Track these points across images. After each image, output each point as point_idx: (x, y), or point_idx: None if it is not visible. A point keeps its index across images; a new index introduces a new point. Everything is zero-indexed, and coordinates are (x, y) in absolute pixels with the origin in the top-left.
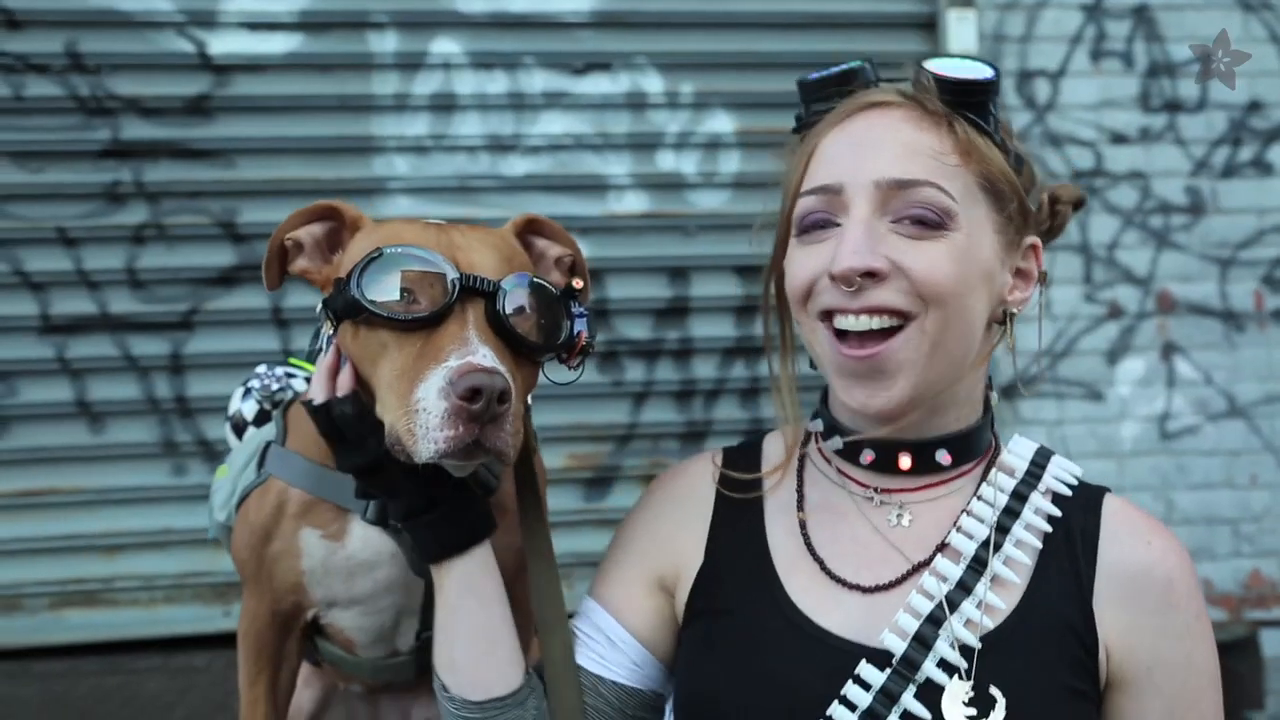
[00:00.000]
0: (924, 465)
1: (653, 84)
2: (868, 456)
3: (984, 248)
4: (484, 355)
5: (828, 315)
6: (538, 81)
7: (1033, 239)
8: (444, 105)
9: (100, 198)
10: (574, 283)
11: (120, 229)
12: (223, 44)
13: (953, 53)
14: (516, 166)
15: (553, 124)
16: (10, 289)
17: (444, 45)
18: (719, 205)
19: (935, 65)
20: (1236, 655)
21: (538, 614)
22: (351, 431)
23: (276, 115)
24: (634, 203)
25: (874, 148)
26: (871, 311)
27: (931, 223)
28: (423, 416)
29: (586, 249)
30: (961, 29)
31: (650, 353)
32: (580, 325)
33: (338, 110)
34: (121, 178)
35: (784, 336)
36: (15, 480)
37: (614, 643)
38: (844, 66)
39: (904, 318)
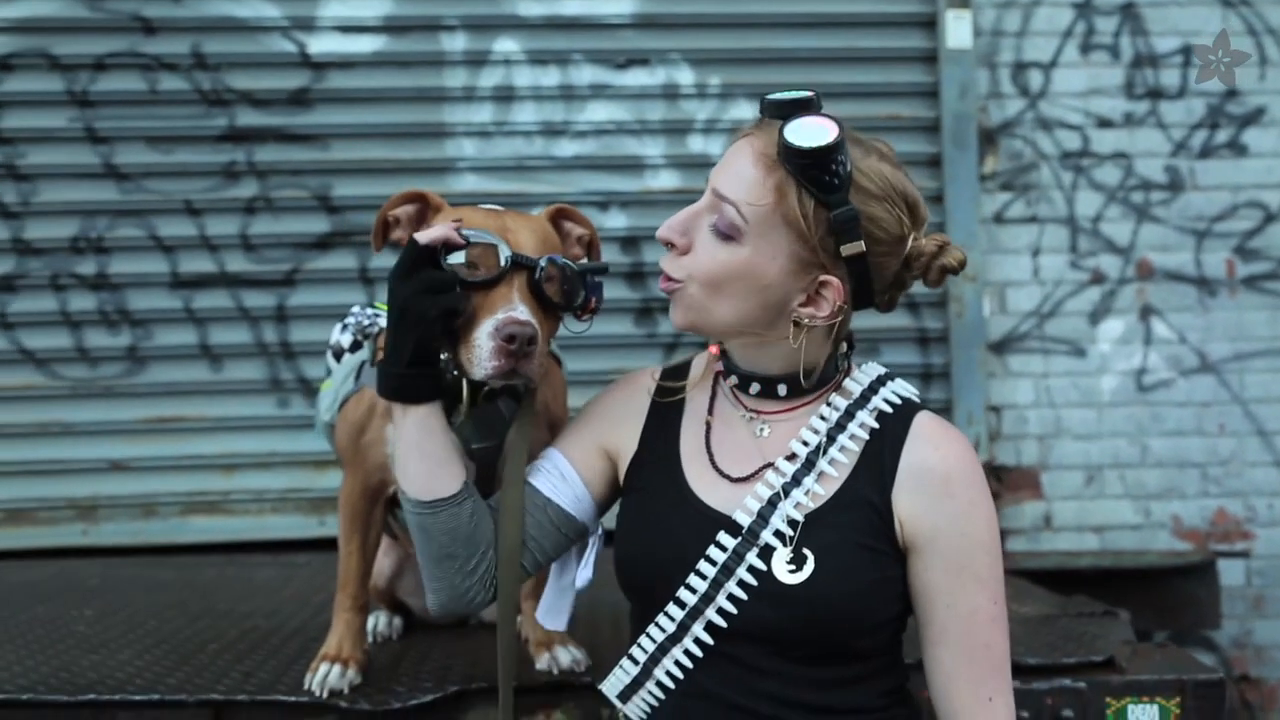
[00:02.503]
0: (770, 393)
1: (685, 77)
2: (755, 387)
3: (767, 267)
4: (521, 311)
5: None
6: (585, 75)
7: (828, 278)
8: (504, 96)
9: (219, 175)
10: (605, 265)
11: (235, 201)
12: (320, 45)
13: (808, 119)
14: (566, 149)
15: (597, 112)
16: (146, 251)
17: (505, 44)
18: None
19: (791, 125)
20: (1196, 582)
21: (508, 470)
22: (422, 273)
23: (364, 105)
24: (667, 180)
25: (727, 164)
26: (661, 272)
27: (722, 232)
28: (478, 350)
29: (625, 220)
30: (958, 26)
31: None
32: (593, 292)
33: (415, 100)
34: (236, 158)
35: None
36: (150, 409)
37: (564, 477)
38: (796, 95)
39: (680, 284)
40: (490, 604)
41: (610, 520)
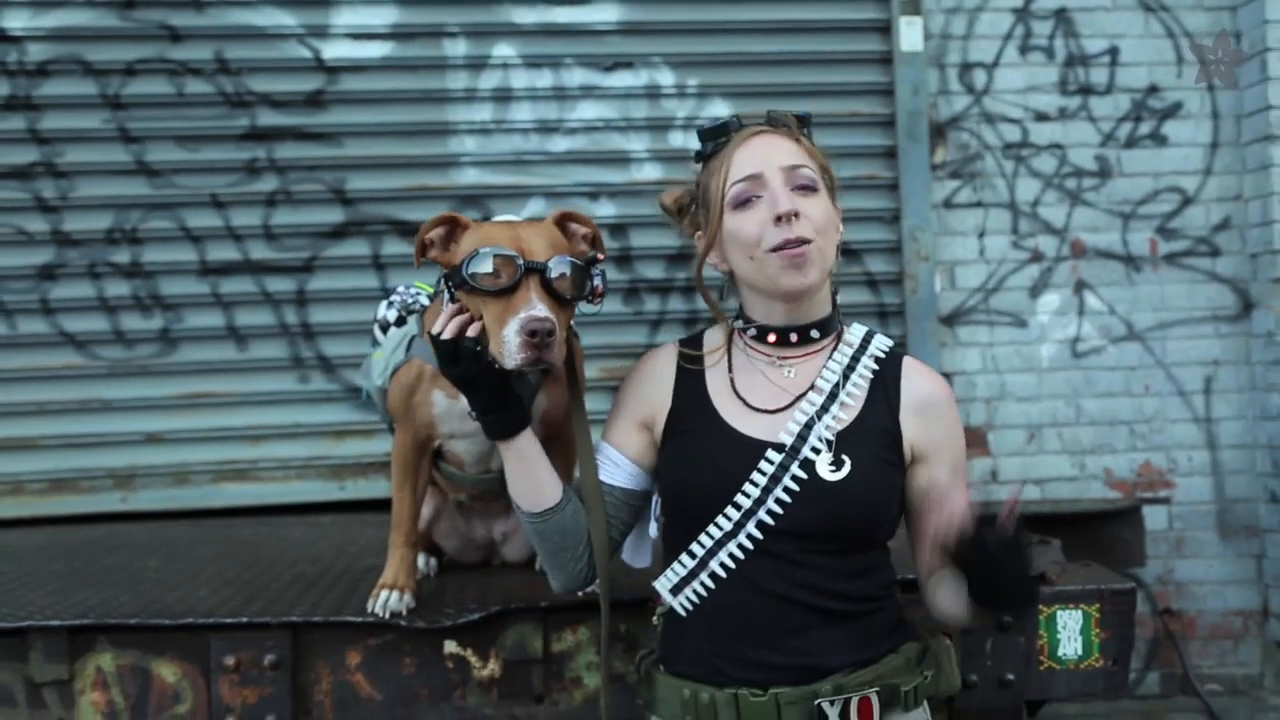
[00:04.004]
0: (803, 340)
1: (665, 78)
2: (772, 337)
3: (828, 203)
4: (540, 309)
5: (774, 249)
6: (575, 77)
7: (837, 205)
8: (503, 96)
9: (242, 170)
10: (597, 255)
11: (257, 194)
12: (333, 50)
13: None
14: (559, 144)
15: (587, 111)
16: (176, 241)
17: (503, 49)
18: None
19: (782, 109)
20: (1123, 525)
21: (579, 449)
22: (463, 357)
23: (374, 105)
24: (650, 172)
25: (772, 150)
26: (800, 240)
27: (810, 186)
28: (508, 345)
29: (613, 209)
30: (910, 31)
31: (663, 288)
32: (598, 281)
33: (421, 101)
34: (258, 155)
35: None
36: (182, 386)
37: (616, 463)
38: (726, 119)
39: (809, 241)
40: (594, 580)
41: None
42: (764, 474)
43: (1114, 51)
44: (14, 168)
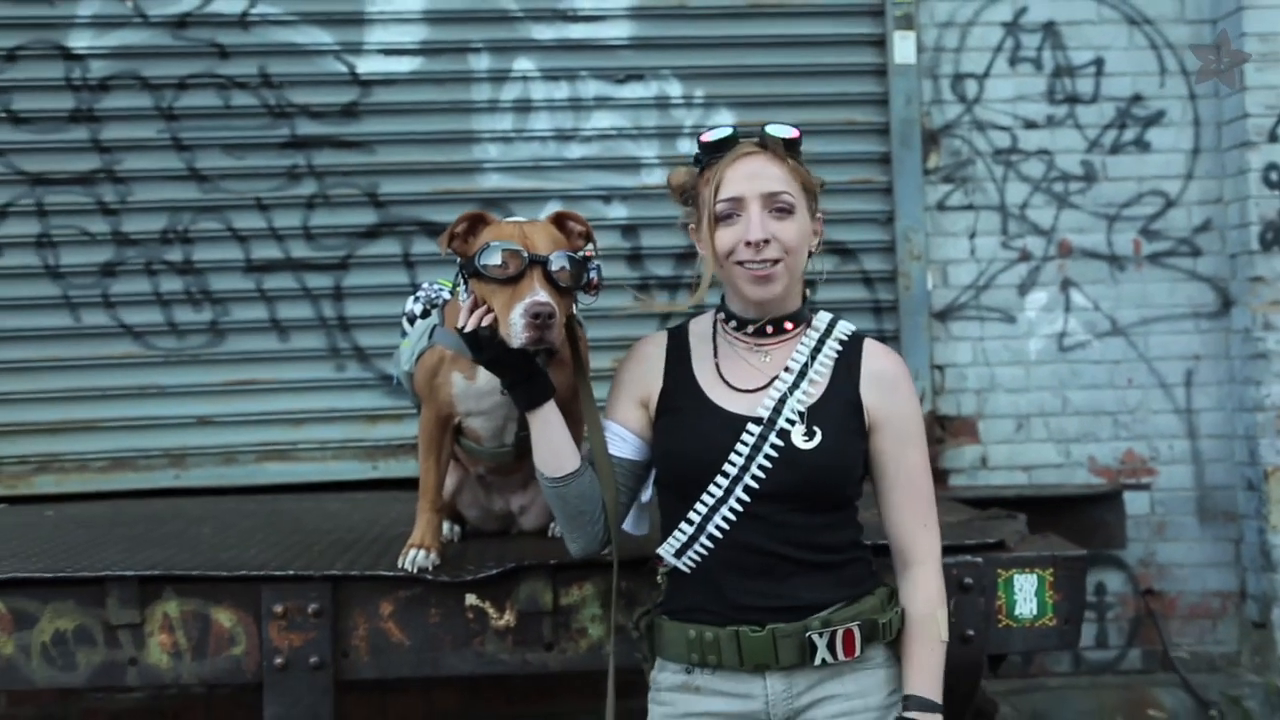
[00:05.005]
0: (777, 330)
1: (674, 89)
2: (750, 327)
3: (805, 221)
4: (541, 295)
5: (740, 264)
6: (590, 89)
7: (819, 214)
8: (523, 106)
9: (283, 176)
10: (588, 249)
11: (297, 198)
12: (366, 65)
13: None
14: (575, 151)
15: (601, 120)
16: (223, 240)
17: (523, 63)
18: None
19: (774, 130)
20: (1105, 509)
21: (587, 424)
22: (484, 344)
23: (404, 115)
24: (660, 177)
25: (757, 176)
26: (769, 260)
27: (787, 209)
28: (514, 327)
29: (625, 211)
30: (904, 45)
31: (672, 285)
32: (593, 274)
33: (447, 111)
34: (298, 162)
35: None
36: (229, 373)
37: (622, 438)
38: (727, 133)
39: (779, 261)
40: (609, 544)
41: None
42: (746, 444)
43: (1099, 62)
44: (78, 174)
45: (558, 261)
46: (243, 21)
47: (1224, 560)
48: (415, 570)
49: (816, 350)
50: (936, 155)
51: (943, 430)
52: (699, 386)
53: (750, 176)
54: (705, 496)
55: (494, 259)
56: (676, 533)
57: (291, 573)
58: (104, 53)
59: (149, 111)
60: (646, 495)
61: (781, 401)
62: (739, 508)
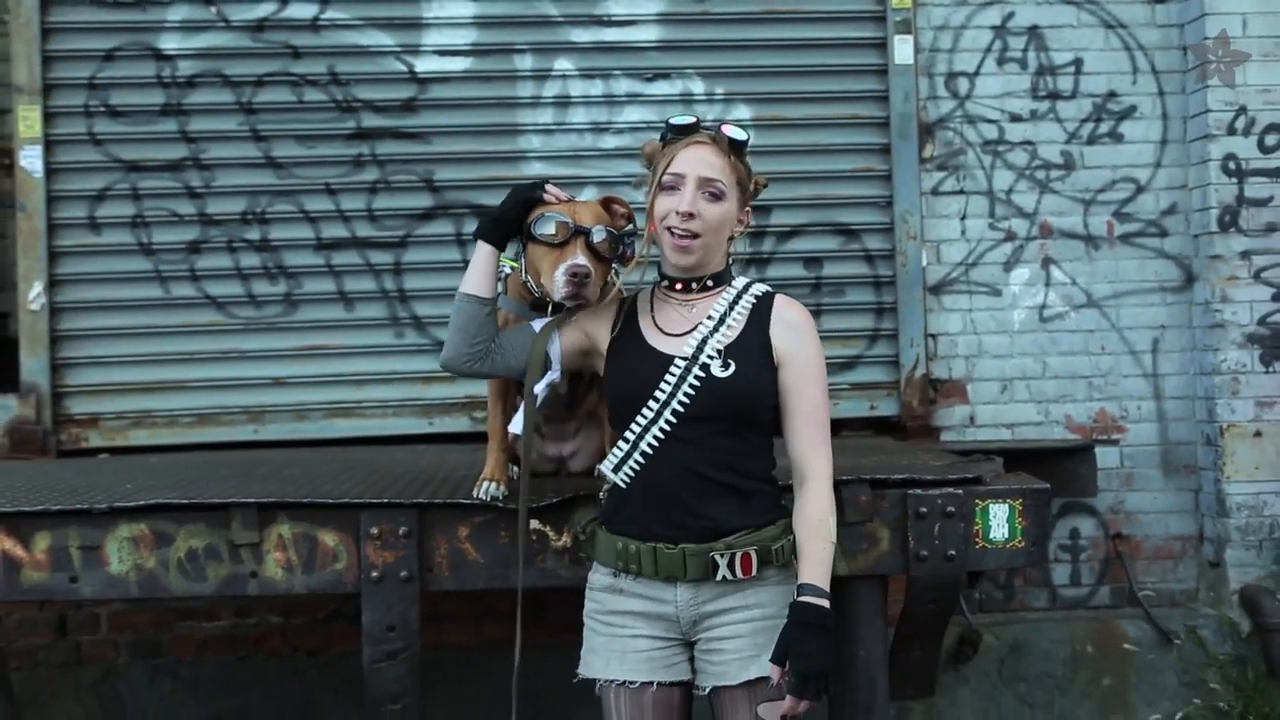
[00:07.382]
0: (701, 288)
1: (697, 86)
2: (679, 285)
3: (731, 209)
4: (580, 259)
5: (669, 230)
6: (622, 86)
7: (747, 209)
8: (562, 101)
9: (350, 163)
10: (632, 228)
11: (362, 183)
12: (424, 65)
13: (738, 122)
14: (609, 142)
15: (632, 114)
16: (296, 221)
17: (562, 63)
18: None
19: (728, 130)
20: (1080, 462)
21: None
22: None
23: (457, 110)
24: None
25: (702, 160)
26: (692, 233)
27: (718, 195)
28: (556, 283)
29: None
30: (903, 47)
31: None
32: (627, 248)
33: (495, 106)
34: (362, 151)
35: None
36: (301, 339)
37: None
38: (690, 121)
39: (699, 234)
40: (472, 374)
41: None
42: (674, 375)
43: (1078, 62)
44: (168, 162)
45: (599, 234)
46: (314, 25)
47: (1184, 508)
48: (488, 498)
49: (734, 303)
50: (931, 146)
51: (935, 391)
52: (640, 334)
53: (696, 161)
54: (639, 419)
55: (548, 228)
56: (615, 450)
57: (385, 500)
58: (191, 53)
59: (230, 106)
60: (541, 389)
61: (704, 342)
62: (667, 428)
